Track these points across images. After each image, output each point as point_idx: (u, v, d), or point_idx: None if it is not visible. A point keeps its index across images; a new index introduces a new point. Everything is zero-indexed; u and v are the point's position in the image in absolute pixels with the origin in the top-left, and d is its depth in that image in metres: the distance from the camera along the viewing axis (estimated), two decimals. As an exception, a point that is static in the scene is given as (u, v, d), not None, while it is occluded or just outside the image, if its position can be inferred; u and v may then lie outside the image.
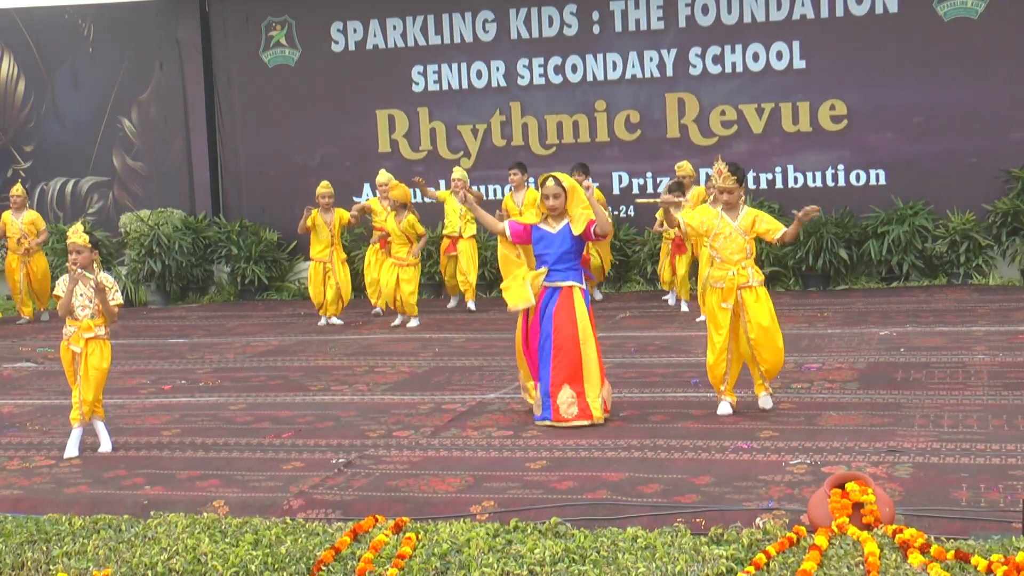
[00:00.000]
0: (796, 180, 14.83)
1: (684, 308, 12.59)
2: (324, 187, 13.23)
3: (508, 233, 8.06)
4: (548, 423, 7.83)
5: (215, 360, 11.30)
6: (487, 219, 8.36)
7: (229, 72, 16.76)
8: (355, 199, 14.66)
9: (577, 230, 7.88)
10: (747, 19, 14.83)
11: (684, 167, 13.09)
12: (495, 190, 15.51)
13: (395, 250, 12.82)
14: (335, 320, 13.20)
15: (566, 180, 7.92)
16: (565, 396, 7.82)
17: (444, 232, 14.03)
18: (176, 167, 17.05)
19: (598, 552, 5.16)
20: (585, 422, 7.77)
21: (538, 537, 5.40)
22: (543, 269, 7.94)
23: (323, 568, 5.20)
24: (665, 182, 13.16)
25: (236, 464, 7.21)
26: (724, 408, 7.94)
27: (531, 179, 13.37)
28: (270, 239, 16.21)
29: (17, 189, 14.71)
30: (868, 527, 5.26)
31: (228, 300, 16.20)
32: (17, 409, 9.34)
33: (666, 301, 13.24)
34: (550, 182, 7.91)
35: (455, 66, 15.85)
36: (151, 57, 16.97)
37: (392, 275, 12.71)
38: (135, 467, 7.24)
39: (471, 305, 13.76)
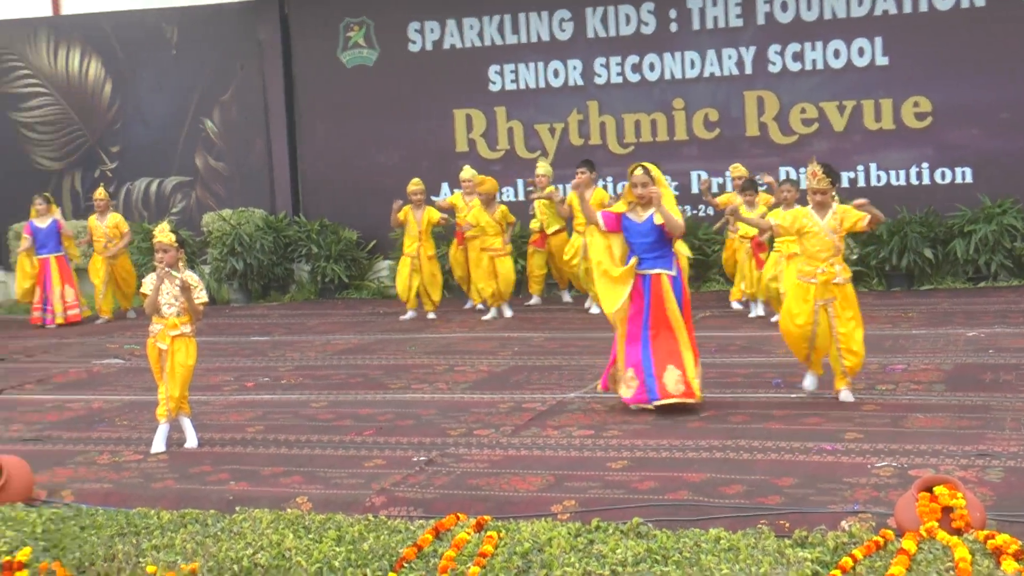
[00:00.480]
0: (879, 179, 14.64)
1: (760, 312, 12.44)
2: (415, 184, 13.40)
3: (601, 222, 8.21)
4: (652, 404, 7.98)
5: (296, 358, 11.41)
6: (588, 210, 8.59)
7: (308, 73, 16.90)
8: (433, 198, 14.71)
9: (660, 222, 7.97)
10: (827, 15, 14.67)
11: (738, 169, 13.20)
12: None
13: (489, 242, 13.23)
14: (430, 315, 13.41)
15: (653, 169, 8.05)
16: (672, 376, 8.01)
17: (531, 227, 14.15)
18: (257, 167, 17.24)
19: (680, 553, 5.13)
20: (690, 400, 8.00)
21: (620, 537, 5.38)
22: (634, 260, 8.09)
23: (405, 565, 5.23)
24: (737, 180, 13.06)
25: (318, 461, 7.27)
26: (810, 382, 8.16)
27: (600, 179, 13.48)
28: (349, 238, 16.32)
29: (100, 193, 14.89)
30: (958, 532, 5.17)
31: (308, 298, 16.34)
32: (106, 404, 9.51)
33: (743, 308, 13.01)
34: (638, 171, 8.08)
35: (532, 65, 15.86)
36: (232, 58, 17.17)
37: (488, 267, 13.18)
38: (220, 463, 7.33)
39: (567, 296, 14.20)
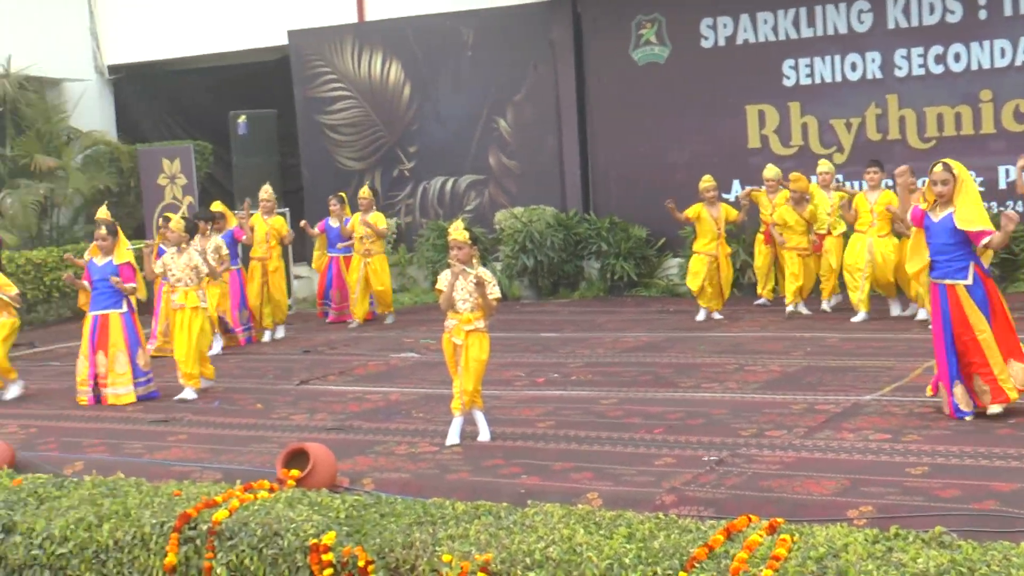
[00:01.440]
0: None
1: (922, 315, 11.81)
2: (707, 181, 13.24)
3: (908, 218, 8.11)
4: (969, 416, 7.74)
5: (586, 355, 11.50)
6: (904, 208, 8.49)
7: (600, 71, 17.02)
8: (723, 195, 14.55)
9: (961, 224, 7.62)
10: None
11: (771, 170, 13.22)
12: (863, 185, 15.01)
13: (795, 240, 13.05)
14: (716, 315, 13.21)
15: (956, 167, 7.73)
16: (979, 384, 7.77)
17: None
18: (548, 165, 17.48)
19: (988, 567, 4.87)
20: (1000, 406, 7.74)
21: (921, 546, 5.16)
22: (925, 261, 7.96)
23: (696, 565, 5.18)
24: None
25: (608, 458, 7.31)
26: None
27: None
28: (639, 235, 16.33)
29: (364, 192, 14.90)
30: None
31: (598, 295, 16.45)
32: (403, 397, 9.86)
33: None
34: (938, 167, 7.81)
35: (828, 59, 15.45)
36: (526, 59, 17.47)
37: (797, 265, 13.00)
38: (512, 457, 7.47)
39: (825, 305, 13.37)
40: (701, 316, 13.25)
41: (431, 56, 18.19)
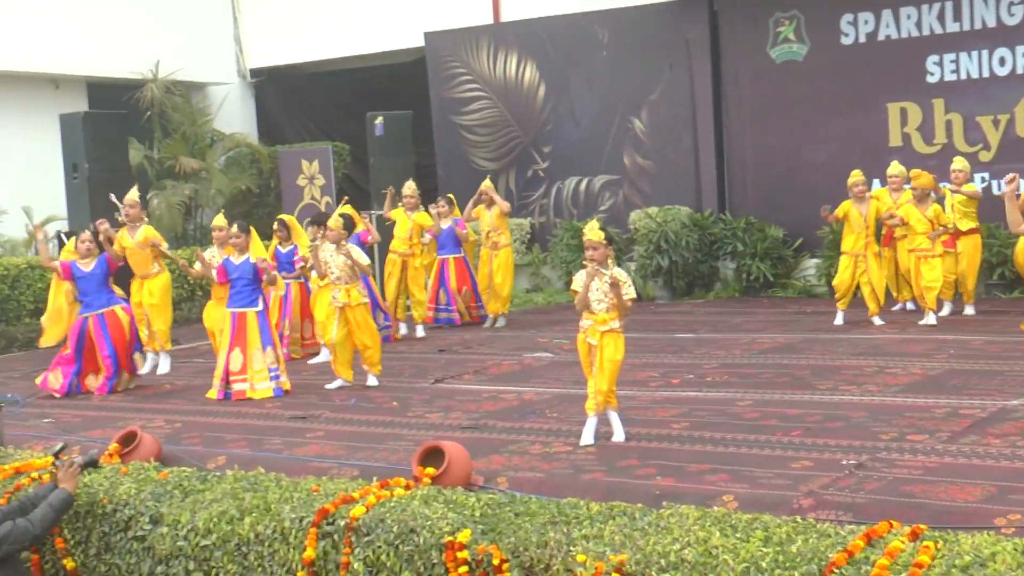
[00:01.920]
0: None
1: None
2: (856, 176, 12.80)
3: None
4: None
5: (721, 356, 11.39)
6: (1014, 215, 8.10)
7: (736, 69, 16.85)
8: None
9: None
10: None
11: (894, 167, 12.88)
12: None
13: (918, 241, 12.62)
14: (876, 320, 12.74)
15: None
16: None
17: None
18: (683, 165, 17.37)
19: None
20: None
21: (1074, 557, 4.99)
22: None
23: (835, 570, 5.08)
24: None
25: (744, 460, 7.22)
26: None
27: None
28: (775, 236, 16.13)
29: (486, 184, 14.82)
30: None
31: (733, 296, 16.29)
32: (537, 396, 9.88)
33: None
34: None
35: (975, 54, 15.06)
36: (661, 58, 17.38)
37: (931, 270, 12.60)
38: (647, 457, 7.43)
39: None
40: (839, 320, 12.92)
41: (566, 56, 18.21)
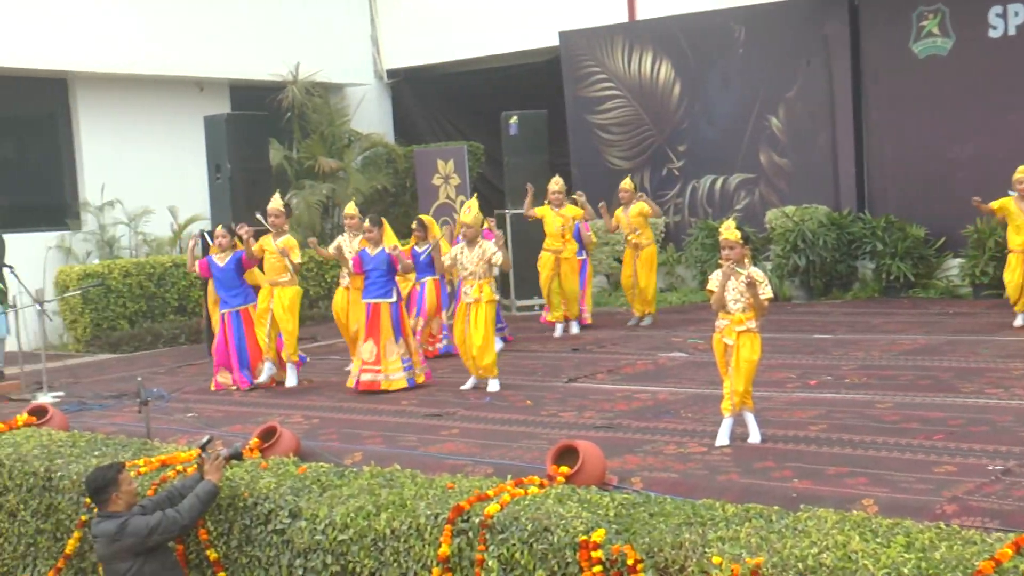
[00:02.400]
0: None
1: None
2: (1021, 172, 12.22)
3: None
4: None
5: (860, 357, 11.18)
6: None
7: (876, 65, 16.50)
8: (1009, 192, 13.82)
9: None
10: None
11: (1021, 171, 11.99)
12: None
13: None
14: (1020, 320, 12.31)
15: None
16: None
17: None
18: (821, 163, 17.08)
19: None
20: None
21: None
22: None
23: (982, 579, 4.94)
24: None
25: (885, 463, 7.07)
26: None
27: None
28: (916, 235, 15.76)
29: (626, 183, 14.68)
30: None
31: (872, 296, 15.97)
32: (671, 396, 9.81)
33: None
34: None
35: None
36: (798, 54, 17.12)
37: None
38: (783, 459, 7.33)
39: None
40: (1019, 322, 12.31)
41: (701, 54, 18.06)
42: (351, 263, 11.47)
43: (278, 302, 11.76)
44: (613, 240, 17.81)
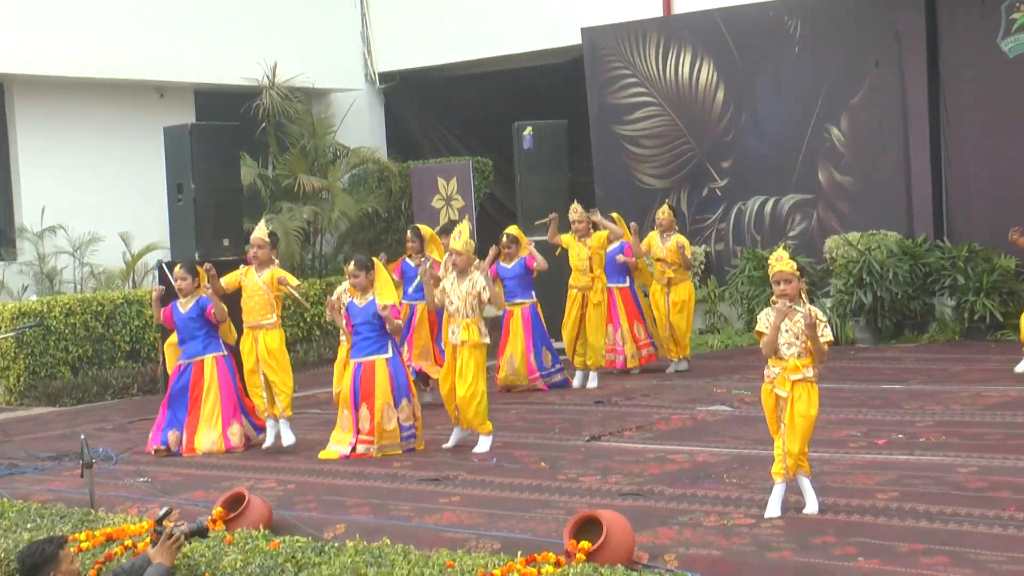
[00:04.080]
0: None
1: None
2: None
3: None
4: None
5: (938, 411, 11.14)
6: None
7: (959, 66, 16.52)
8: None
9: None
10: None
11: None
12: None
13: None
14: None
15: None
16: None
17: None
18: (891, 182, 17.08)
19: None
20: None
21: None
22: None
23: None
24: None
25: (968, 539, 7.02)
26: None
27: None
28: (1006, 267, 15.74)
29: (664, 212, 14.88)
30: None
31: (952, 339, 15.94)
32: (712, 458, 9.76)
33: None
34: None
35: None
36: (865, 54, 17.15)
37: None
38: (846, 533, 7.28)
39: None
40: None
41: (750, 53, 18.10)
42: (344, 321, 11.19)
43: (264, 349, 11.56)
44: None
